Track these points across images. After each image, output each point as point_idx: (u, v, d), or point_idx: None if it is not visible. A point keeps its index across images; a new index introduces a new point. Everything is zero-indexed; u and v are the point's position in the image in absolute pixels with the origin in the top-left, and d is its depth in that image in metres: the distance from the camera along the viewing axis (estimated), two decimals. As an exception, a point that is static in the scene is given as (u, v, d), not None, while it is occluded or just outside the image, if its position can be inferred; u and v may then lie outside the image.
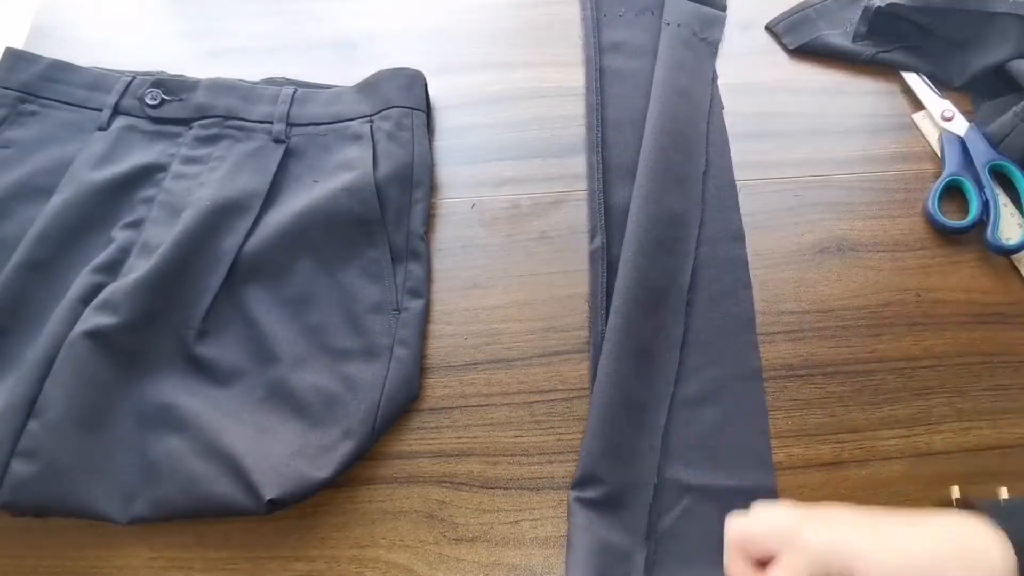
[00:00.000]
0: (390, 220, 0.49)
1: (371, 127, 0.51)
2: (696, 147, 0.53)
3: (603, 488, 0.42)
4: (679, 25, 0.58)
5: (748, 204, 0.52)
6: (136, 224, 0.48)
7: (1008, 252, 0.50)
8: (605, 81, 0.56)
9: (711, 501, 0.42)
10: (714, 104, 0.56)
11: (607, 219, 0.50)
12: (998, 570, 0.29)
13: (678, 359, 0.46)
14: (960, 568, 0.29)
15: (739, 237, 0.50)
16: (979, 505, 0.32)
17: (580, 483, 0.42)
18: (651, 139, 0.52)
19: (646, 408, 0.44)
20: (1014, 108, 0.52)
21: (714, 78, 0.57)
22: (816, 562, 0.30)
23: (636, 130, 0.53)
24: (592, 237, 0.50)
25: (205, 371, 0.44)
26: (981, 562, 0.29)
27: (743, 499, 0.41)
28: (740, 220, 0.51)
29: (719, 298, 0.48)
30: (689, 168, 0.52)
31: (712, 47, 0.58)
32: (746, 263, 0.49)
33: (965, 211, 0.51)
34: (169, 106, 0.52)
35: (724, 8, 0.61)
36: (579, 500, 0.42)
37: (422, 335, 0.47)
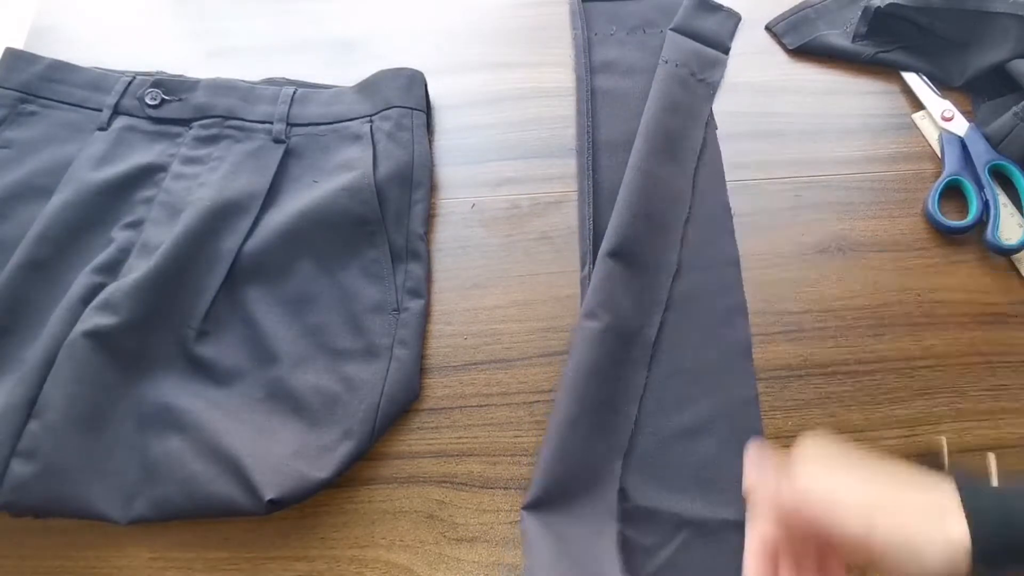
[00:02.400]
0: (390, 220, 0.49)
1: (371, 127, 0.51)
2: (682, 193, 0.52)
3: (562, 504, 0.41)
4: (677, 64, 0.56)
5: (748, 204, 0.52)
6: (136, 224, 0.48)
7: (1008, 252, 0.50)
8: (596, 102, 0.55)
9: (708, 535, 0.41)
10: (708, 145, 0.54)
11: (595, 246, 0.49)
12: (944, 558, 0.29)
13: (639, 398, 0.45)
14: (910, 547, 0.30)
15: (733, 263, 0.49)
16: (961, 481, 0.31)
17: (535, 504, 0.41)
18: (635, 182, 0.50)
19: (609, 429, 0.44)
20: (1014, 108, 0.52)
21: (709, 120, 0.55)
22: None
23: (628, 153, 0.52)
24: (583, 265, 0.49)
25: (205, 371, 0.44)
26: (931, 545, 0.29)
27: (741, 533, 0.41)
28: (735, 245, 0.50)
29: (714, 325, 0.47)
30: (673, 213, 0.51)
31: (711, 88, 0.57)
32: (740, 287, 0.48)
33: (965, 211, 0.51)
34: (169, 106, 0.52)
35: (727, 51, 0.59)
36: (535, 516, 0.41)
37: (422, 335, 0.47)
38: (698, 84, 0.56)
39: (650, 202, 0.50)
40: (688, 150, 0.54)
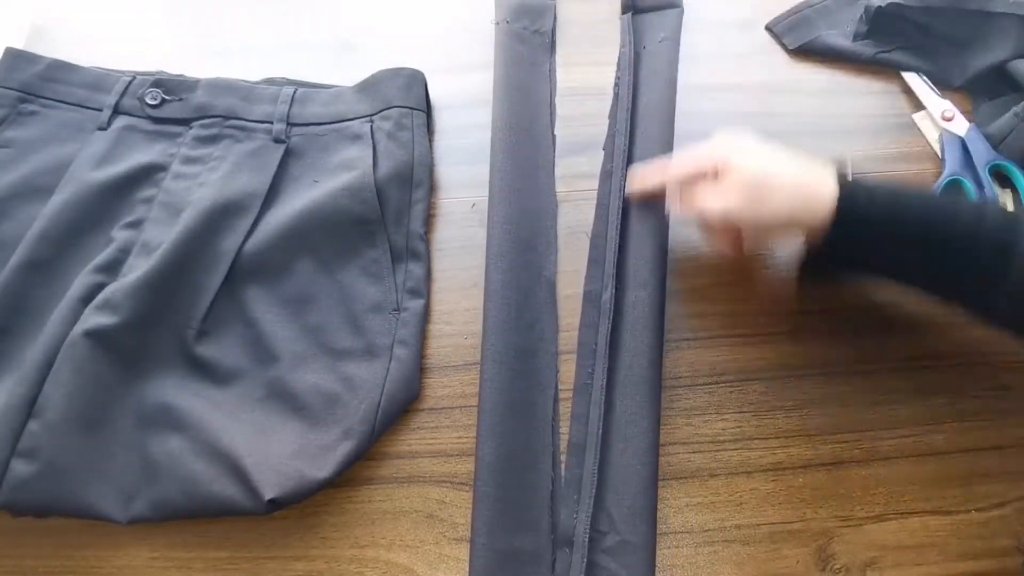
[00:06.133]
0: (390, 220, 0.49)
1: (371, 127, 0.51)
2: (542, 140, 0.54)
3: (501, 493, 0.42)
4: (508, 21, 0.58)
5: (748, 204, 0.52)
6: (136, 224, 0.48)
7: (1008, 252, 0.50)
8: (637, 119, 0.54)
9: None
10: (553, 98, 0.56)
11: (619, 274, 0.48)
12: (824, 204, 0.39)
13: (556, 351, 0.46)
14: (803, 211, 0.40)
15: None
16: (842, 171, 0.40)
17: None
18: (501, 139, 0.52)
19: (535, 405, 0.44)
20: (1014, 108, 0.52)
21: (551, 69, 0.58)
22: (746, 184, 0.41)
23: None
24: (604, 289, 0.47)
25: (205, 371, 0.44)
26: (814, 200, 0.40)
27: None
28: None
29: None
30: (538, 160, 0.53)
31: (545, 38, 0.58)
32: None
33: (965, 211, 0.51)
34: (169, 106, 0.52)
35: None
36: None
37: (422, 335, 0.47)
38: (533, 36, 0.58)
39: (519, 153, 0.52)
40: (540, 100, 0.55)
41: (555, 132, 0.55)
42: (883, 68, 0.58)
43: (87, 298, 0.44)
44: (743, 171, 0.41)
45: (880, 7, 0.56)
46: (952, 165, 0.52)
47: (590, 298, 0.48)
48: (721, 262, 0.50)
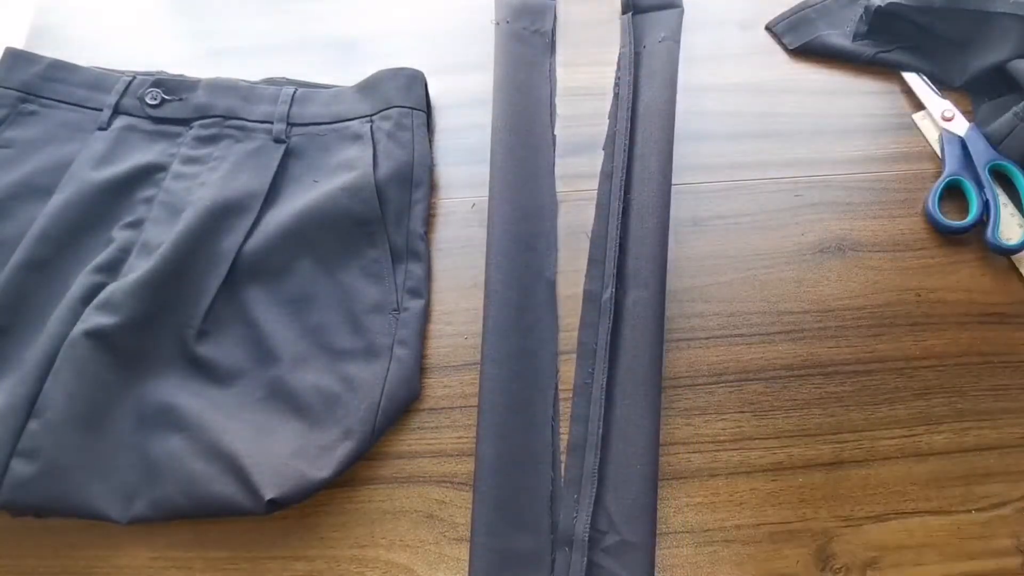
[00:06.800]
0: (390, 220, 0.49)
1: (371, 127, 0.51)
2: (542, 140, 0.54)
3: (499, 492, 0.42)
4: (508, 22, 0.58)
5: (748, 204, 0.52)
6: (136, 224, 0.48)
7: (1008, 252, 0.50)
8: (637, 122, 0.54)
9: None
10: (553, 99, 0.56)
11: (620, 273, 0.48)
12: None
13: (556, 351, 0.46)
14: None
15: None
16: None
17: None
18: (501, 139, 0.52)
19: (535, 405, 0.44)
20: (1014, 108, 0.52)
21: (551, 69, 0.57)
22: None
23: (660, 163, 0.51)
24: (604, 288, 0.47)
25: (205, 371, 0.44)
26: None
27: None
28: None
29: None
30: (538, 160, 0.53)
31: (545, 38, 0.58)
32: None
33: (965, 211, 0.51)
34: (169, 106, 0.52)
35: None
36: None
37: (422, 335, 0.47)
38: (533, 36, 0.58)
39: (517, 153, 0.52)
40: (539, 100, 0.55)
41: (555, 132, 0.55)
42: (883, 68, 0.58)
43: (87, 298, 0.44)
44: None
45: (880, 7, 0.56)
46: (952, 165, 0.52)
47: (590, 298, 0.48)
48: (721, 262, 0.50)
